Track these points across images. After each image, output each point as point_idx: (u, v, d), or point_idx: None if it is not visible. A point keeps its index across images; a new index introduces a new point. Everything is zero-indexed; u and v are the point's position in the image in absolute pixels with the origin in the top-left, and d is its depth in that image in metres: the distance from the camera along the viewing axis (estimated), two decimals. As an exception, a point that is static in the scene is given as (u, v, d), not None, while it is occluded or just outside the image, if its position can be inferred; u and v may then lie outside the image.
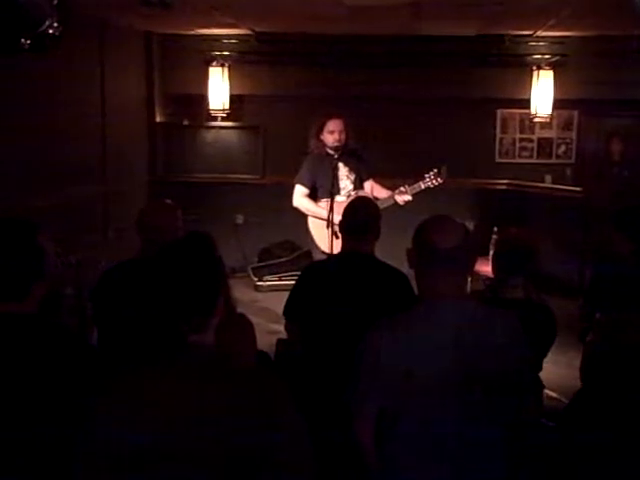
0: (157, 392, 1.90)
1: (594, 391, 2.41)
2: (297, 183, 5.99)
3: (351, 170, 5.93)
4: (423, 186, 5.95)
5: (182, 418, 1.86)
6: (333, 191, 5.60)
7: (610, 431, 2.25)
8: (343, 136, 5.82)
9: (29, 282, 2.36)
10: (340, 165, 5.84)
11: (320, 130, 5.88)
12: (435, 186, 5.97)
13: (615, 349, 2.36)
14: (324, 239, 5.81)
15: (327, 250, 5.76)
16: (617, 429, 2.26)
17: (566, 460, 2.42)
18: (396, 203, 5.88)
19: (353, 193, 5.87)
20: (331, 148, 5.82)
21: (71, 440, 1.93)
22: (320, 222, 5.85)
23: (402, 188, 5.94)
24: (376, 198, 5.73)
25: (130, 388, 1.93)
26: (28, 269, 2.35)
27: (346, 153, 5.86)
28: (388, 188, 6.05)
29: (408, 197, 5.91)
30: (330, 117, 5.87)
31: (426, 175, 5.97)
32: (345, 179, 5.92)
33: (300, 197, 5.98)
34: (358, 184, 5.97)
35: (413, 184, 5.94)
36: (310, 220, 5.98)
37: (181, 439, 1.85)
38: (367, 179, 6.07)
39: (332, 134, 5.82)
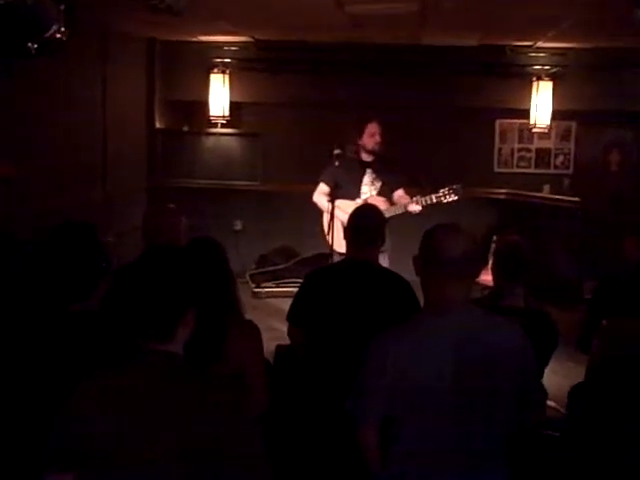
0: (113, 393, 1.96)
1: (601, 396, 2.42)
2: (320, 181, 6.10)
3: (377, 178, 5.97)
4: (435, 200, 5.90)
5: (130, 419, 1.92)
6: (332, 198, 5.64)
7: (618, 437, 2.27)
8: (381, 139, 5.89)
9: (98, 279, 2.41)
10: (367, 171, 5.91)
11: (360, 134, 5.92)
12: (449, 202, 5.95)
13: (622, 354, 2.38)
14: (338, 237, 5.87)
15: (338, 249, 5.79)
16: (625, 434, 2.28)
17: (570, 467, 2.43)
18: (406, 211, 5.90)
19: (363, 200, 5.89)
20: (371, 151, 5.89)
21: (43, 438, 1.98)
22: (335, 221, 5.91)
23: (414, 199, 5.94)
24: (392, 203, 5.88)
25: (92, 389, 1.99)
26: (98, 268, 2.40)
27: (377, 161, 5.92)
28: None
29: (418, 207, 5.91)
30: (369, 120, 5.95)
31: (441, 190, 5.96)
32: (369, 185, 5.98)
33: (319, 194, 6.10)
34: (385, 192, 6.01)
35: (425, 196, 5.93)
36: (325, 217, 6.04)
37: (131, 440, 1.90)
38: (398, 188, 6.10)
39: (373, 137, 5.90)
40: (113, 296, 2.68)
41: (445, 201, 5.94)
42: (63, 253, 2.41)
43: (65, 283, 2.40)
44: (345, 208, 5.72)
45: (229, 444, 1.92)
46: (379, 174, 6.01)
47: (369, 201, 5.80)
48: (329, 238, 5.81)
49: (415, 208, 5.89)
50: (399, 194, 6.10)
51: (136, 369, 2.00)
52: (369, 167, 5.95)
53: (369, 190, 5.99)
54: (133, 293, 2.01)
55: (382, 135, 5.95)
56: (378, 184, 6.00)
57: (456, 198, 5.94)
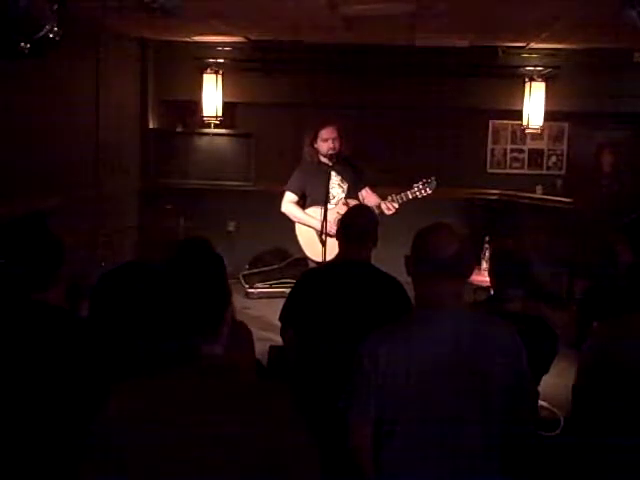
0: (172, 400, 1.90)
1: (592, 397, 2.43)
2: (287, 190, 6.03)
3: (344, 179, 5.94)
4: (410, 196, 5.95)
5: (195, 427, 1.86)
6: (326, 200, 5.63)
7: (608, 438, 2.28)
8: (337, 144, 5.82)
9: (54, 269, 2.41)
10: (333, 174, 5.84)
11: (314, 138, 5.89)
12: (423, 196, 5.99)
13: (612, 353, 2.39)
14: (310, 246, 5.89)
15: (313, 257, 5.87)
16: (616, 436, 2.29)
17: (564, 466, 2.44)
18: (382, 212, 5.88)
19: (342, 201, 5.89)
20: (325, 156, 5.83)
21: (79, 437, 1.94)
22: (306, 229, 5.92)
23: (389, 197, 5.96)
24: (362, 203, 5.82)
25: (146, 394, 1.93)
26: (51, 256, 2.41)
27: (340, 161, 5.88)
28: (380, 197, 6.06)
29: (395, 206, 5.92)
30: (324, 125, 5.88)
31: (414, 185, 5.99)
32: (337, 187, 5.93)
33: (288, 203, 6.01)
34: (352, 193, 5.98)
35: (400, 193, 5.96)
36: (297, 227, 6.02)
37: (192, 447, 1.85)
38: (362, 188, 6.09)
39: (326, 142, 5.83)
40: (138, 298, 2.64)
41: (420, 196, 5.96)
42: (12, 245, 2.42)
43: (19, 273, 2.40)
44: (318, 215, 5.74)
45: (284, 456, 1.89)
46: (344, 175, 5.96)
47: (343, 207, 5.77)
48: (304, 247, 5.89)
49: (390, 207, 5.89)
50: (366, 192, 6.10)
51: (193, 377, 1.94)
52: (333, 169, 5.87)
53: (338, 192, 5.95)
54: (182, 295, 1.98)
55: (339, 139, 5.86)
56: (345, 185, 5.97)
57: (430, 192, 5.97)
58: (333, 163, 5.81)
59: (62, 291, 2.51)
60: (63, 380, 2.31)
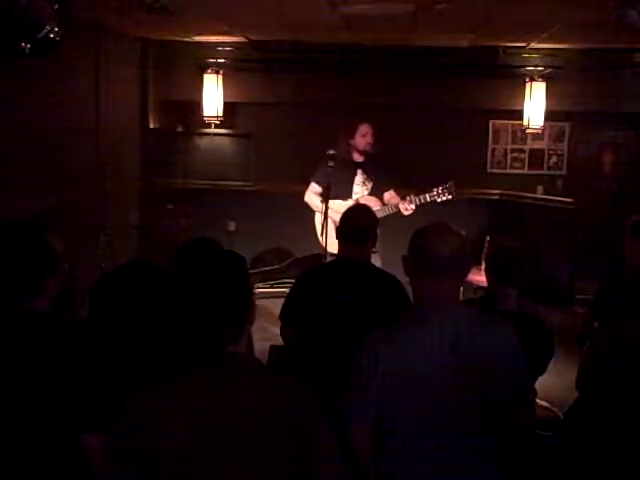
0: (196, 400, 1.91)
1: (592, 397, 2.43)
2: (312, 181, 6.15)
3: (369, 178, 6.05)
4: (429, 199, 5.99)
5: (222, 424, 1.88)
6: (327, 196, 5.67)
7: (609, 436, 2.28)
8: (373, 139, 5.94)
9: (43, 278, 2.40)
10: (359, 172, 5.97)
11: (351, 134, 5.97)
12: (443, 201, 6.01)
13: (614, 354, 2.39)
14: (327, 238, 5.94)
15: (328, 247, 5.88)
16: (616, 434, 2.29)
17: (561, 465, 2.44)
18: (399, 211, 5.95)
19: (355, 200, 5.94)
20: (361, 151, 5.94)
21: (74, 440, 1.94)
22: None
23: (408, 198, 5.99)
24: (384, 204, 5.95)
25: (170, 394, 1.93)
26: (41, 265, 2.40)
27: (368, 161, 5.97)
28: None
29: (412, 206, 5.96)
30: (362, 121, 6.05)
31: (434, 188, 6.02)
32: (360, 185, 6.06)
33: (311, 194, 6.17)
34: (375, 192, 6.05)
35: (419, 195, 5.99)
36: (317, 217, 6.10)
37: (220, 445, 1.86)
38: (388, 189, 6.15)
39: (365, 137, 5.99)
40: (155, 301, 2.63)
41: (439, 200, 5.99)
42: (5, 251, 2.42)
43: (8, 280, 2.40)
44: (338, 208, 5.77)
45: (312, 454, 1.92)
46: (370, 174, 6.07)
47: (361, 201, 5.85)
48: (322, 239, 5.88)
49: (408, 207, 5.92)
50: (390, 194, 6.14)
51: (218, 376, 1.95)
52: (360, 167, 6.02)
53: (361, 190, 6.06)
54: (209, 294, 1.97)
55: (373, 136, 6.00)
56: (369, 184, 6.06)
57: (450, 197, 6.00)
58: (364, 161, 5.89)
59: (50, 299, 2.50)
60: (48, 389, 2.29)
